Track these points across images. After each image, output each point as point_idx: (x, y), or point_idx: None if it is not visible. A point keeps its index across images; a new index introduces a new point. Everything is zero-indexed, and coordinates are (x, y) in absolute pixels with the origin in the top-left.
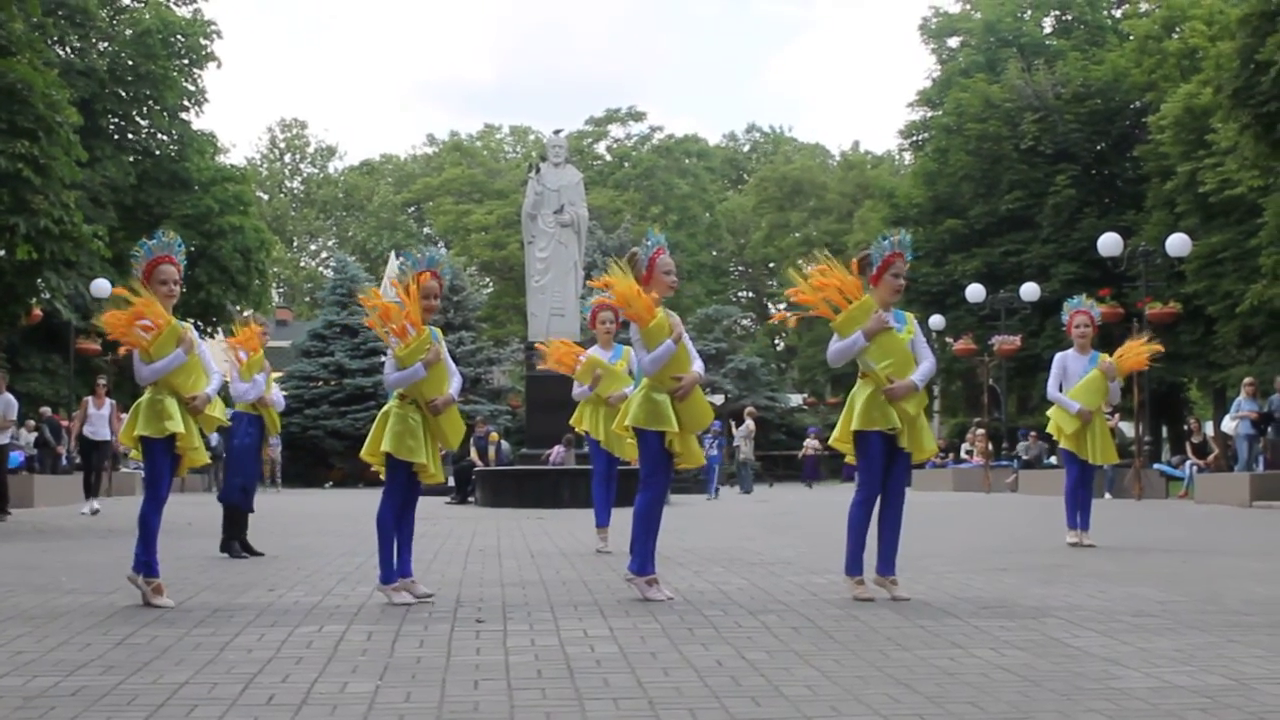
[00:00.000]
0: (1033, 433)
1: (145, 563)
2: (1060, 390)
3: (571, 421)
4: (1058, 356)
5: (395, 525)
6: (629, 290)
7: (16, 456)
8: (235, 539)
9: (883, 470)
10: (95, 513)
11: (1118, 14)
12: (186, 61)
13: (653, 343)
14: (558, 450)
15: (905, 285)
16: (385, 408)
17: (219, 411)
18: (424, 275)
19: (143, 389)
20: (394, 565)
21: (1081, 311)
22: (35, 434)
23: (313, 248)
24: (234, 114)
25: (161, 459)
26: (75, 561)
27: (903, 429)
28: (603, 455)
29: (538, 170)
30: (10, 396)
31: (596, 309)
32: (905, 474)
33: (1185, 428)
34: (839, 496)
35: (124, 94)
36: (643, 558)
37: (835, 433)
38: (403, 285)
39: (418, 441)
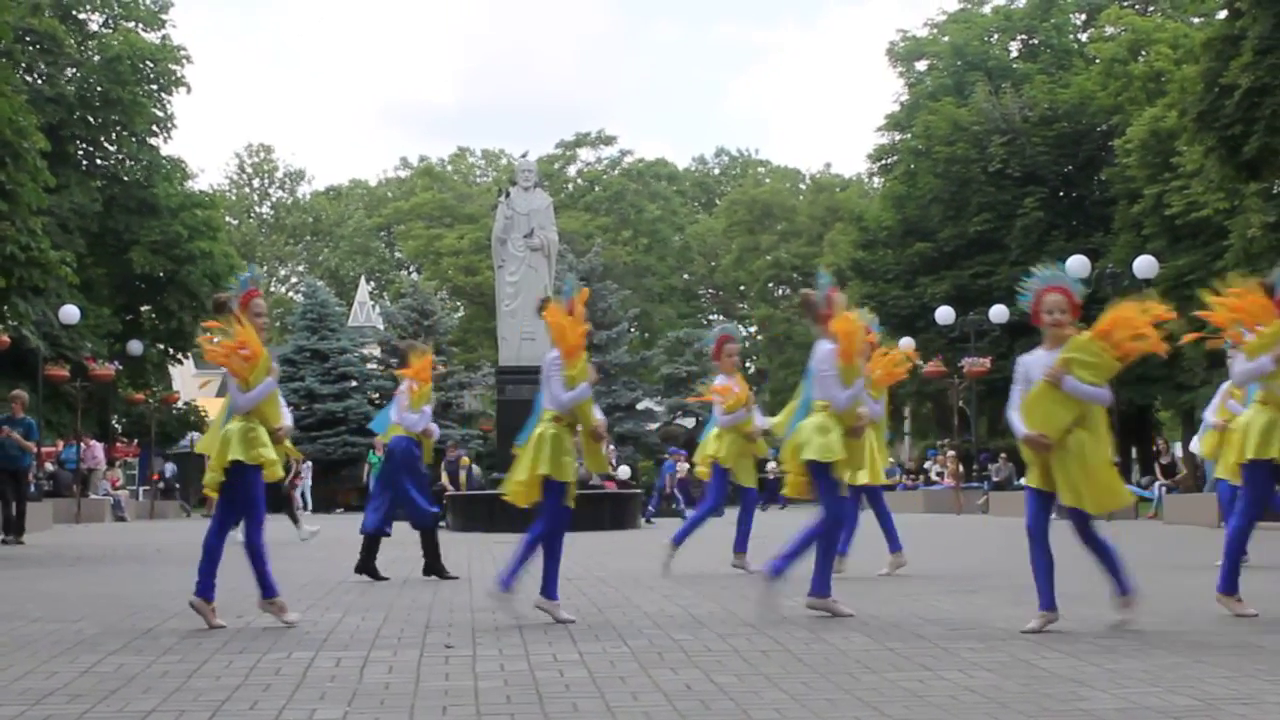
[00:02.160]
0: (1003, 454)
1: (264, 585)
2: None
3: (704, 450)
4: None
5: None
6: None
7: None
8: (372, 561)
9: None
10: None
11: (1084, 38)
12: (155, 87)
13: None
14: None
15: None
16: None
17: (290, 445)
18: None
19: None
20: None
21: (1055, 289)
22: None
23: (282, 273)
24: (201, 139)
25: (256, 483)
26: (42, 589)
27: None
28: (725, 483)
29: (507, 194)
30: (29, 419)
31: (722, 341)
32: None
33: (1154, 449)
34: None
35: (92, 120)
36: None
37: (1225, 460)
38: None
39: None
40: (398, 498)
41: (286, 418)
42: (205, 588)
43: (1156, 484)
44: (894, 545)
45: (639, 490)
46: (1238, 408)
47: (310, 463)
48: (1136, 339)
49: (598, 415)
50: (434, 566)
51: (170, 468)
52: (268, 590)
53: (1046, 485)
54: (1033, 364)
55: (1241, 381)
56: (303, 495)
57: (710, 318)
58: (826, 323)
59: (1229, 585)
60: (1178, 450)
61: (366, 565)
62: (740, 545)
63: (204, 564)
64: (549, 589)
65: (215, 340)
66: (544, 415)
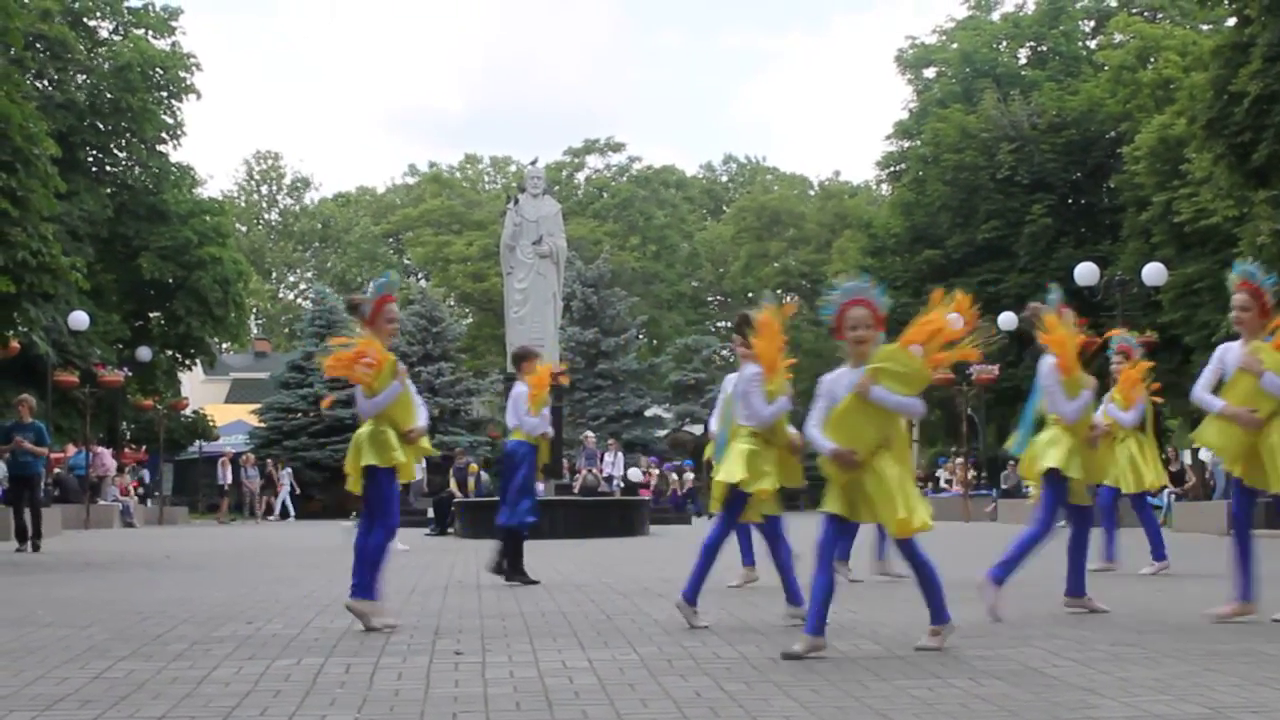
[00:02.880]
0: (1011, 461)
1: (363, 585)
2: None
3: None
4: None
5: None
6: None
7: None
8: (516, 565)
9: None
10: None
11: (1092, 45)
12: (165, 94)
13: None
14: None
15: None
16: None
17: (426, 444)
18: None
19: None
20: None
21: (857, 302)
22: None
23: (291, 279)
24: (210, 146)
25: (389, 486)
26: (51, 595)
27: None
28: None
29: (516, 201)
30: (39, 423)
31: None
32: None
33: (1163, 456)
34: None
35: (102, 127)
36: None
37: None
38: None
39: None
40: (502, 494)
41: (420, 418)
42: (363, 589)
43: (1165, 491)
44: (881, 553)
45: (647, 497)
46: None
47: (290, 469)
48: (947, 347)
49: (791, 429)
50: (515, 569)
51: (145, 474)
52: (369, 591)
53: (844, 510)
54: (835, 381)
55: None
56: (284, 503)
57: (718, 324)
58: (751, 345)
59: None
60: (1186, 458)
61: (514, 565)
62: (880, 552)
63: (357, 566)
64: (795, 596)
65: (334, 351)
66: (739, 431)
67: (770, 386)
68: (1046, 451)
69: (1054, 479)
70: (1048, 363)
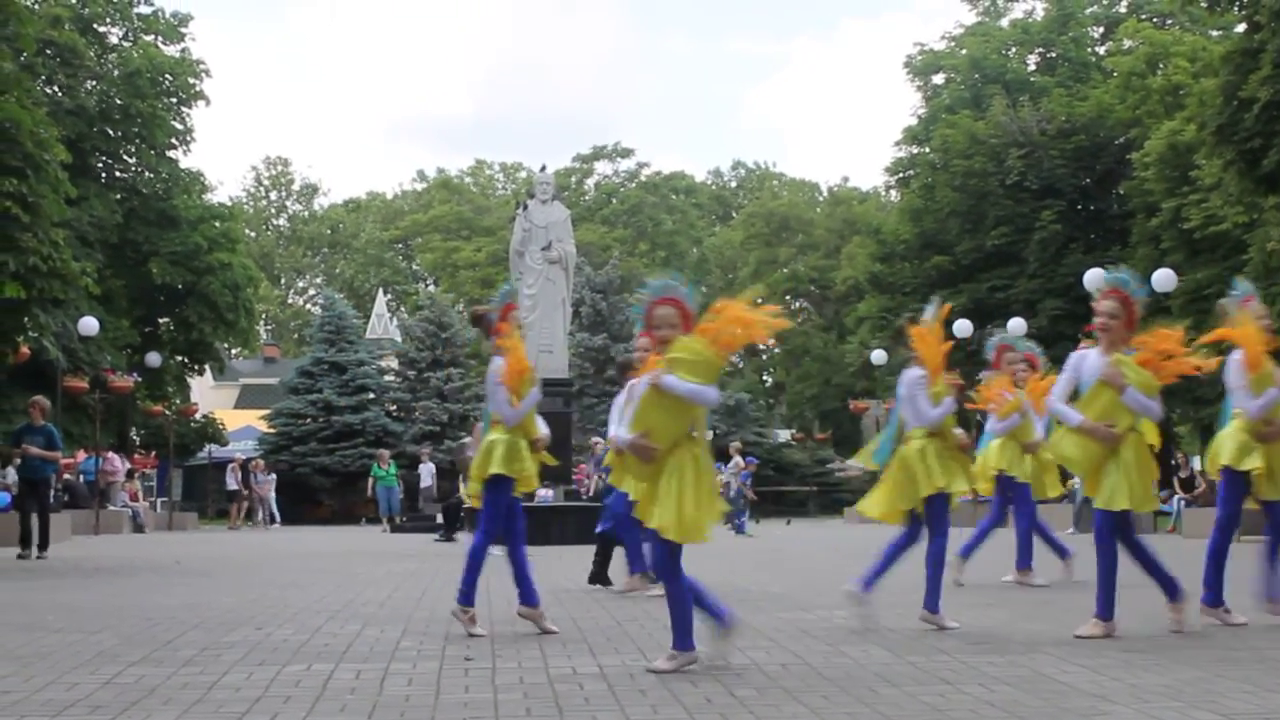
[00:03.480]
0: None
1: (466, 591)
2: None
3: (986, 462)
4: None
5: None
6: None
7: (3, 496)
8: (605, 571)
9: None
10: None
11: (1101, 50)
12: (175, 100)
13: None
14: (546, 492)
15: None
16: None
17: (547, 454)
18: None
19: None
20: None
21: (665, 301)
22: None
23: (300, 284)
24: (219, 152)
25: (507, 495)
26: (61, 600)
27: None
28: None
29: (525, 207)
30: (51, 426)
31: (1001, 349)
32: None
33: (1172, 463)
34: (826, 533)
35: (112, 133)
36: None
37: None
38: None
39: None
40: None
41: (543, 427)
42: (466, 597)
43: (1175, 498)
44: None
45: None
46: None
47: (275, 475)
48: (741, 331)
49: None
50: (599, 575)
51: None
52: (465, 598)
53: (647, 519)
54: (638, 383)
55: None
56: (269, 510)
57: None
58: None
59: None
60: (1196, 464)
61: (599, 572)
62: (1023, 561)
63: (519, 575)
64: (932, 602)
65: (504, 356)
66: (912, 433)
67: (935, 389)
68: (1225, 447)
69: (1231, 474)
70: (1235, 359)
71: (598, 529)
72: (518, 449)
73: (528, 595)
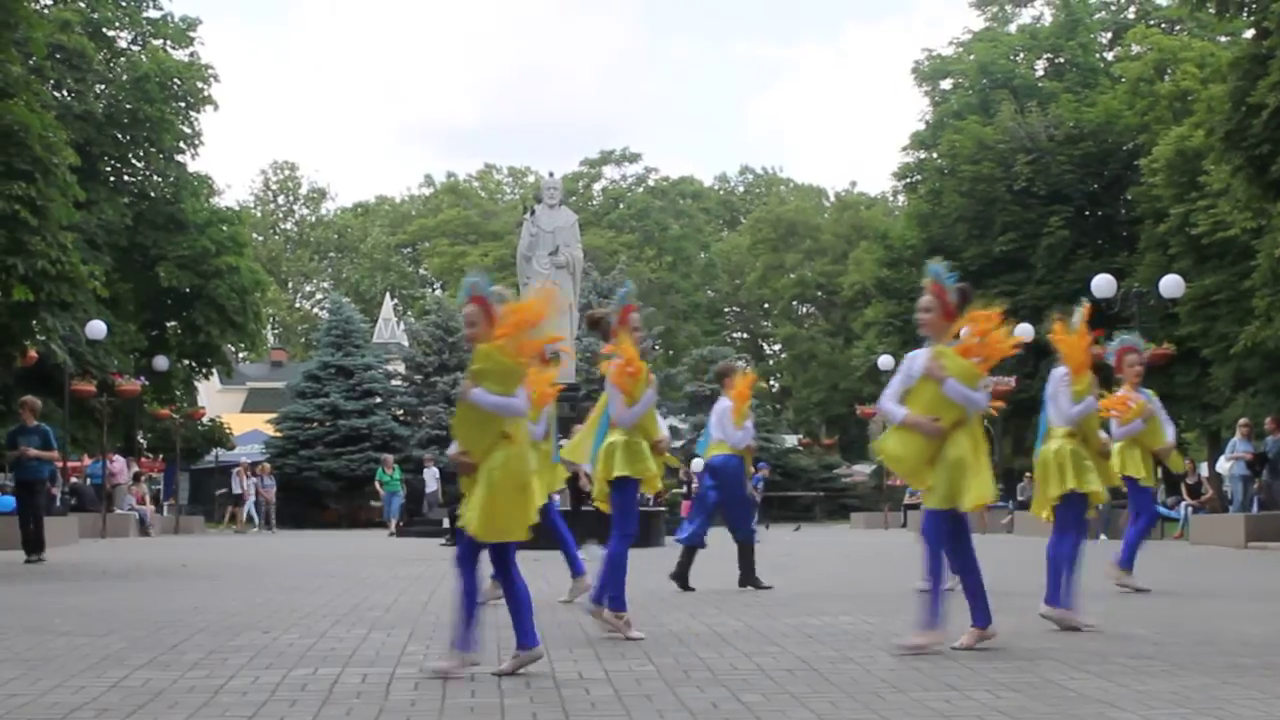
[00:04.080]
0: (1027, 474)
1: (614, 597)
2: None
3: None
4: None
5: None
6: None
7: (8, 500)
8: (753, 573)
9: None
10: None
11: (1109, 56)
12: (183, 104)
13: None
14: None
15: None
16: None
17: (670, 456)
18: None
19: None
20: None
21: (472, 300)
22: None
23: (307, 289)
24: (227, 156)
25: (634, 497)
26: (68, 604)
27: None
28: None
29: (532, 212)
30: (45, 425)
31: (1123, 352)
32: None
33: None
34: (833, 538)
35: (120, 137)
36: None
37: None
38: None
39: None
40: (724, 511)
41: (663, 428)
42: (617, 601)
43: (1183, 504)
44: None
45: (663, 508)
46: None
47: (259, 479)
48: (535, 334)
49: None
50: (749, 578)
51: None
52: (617, 603)
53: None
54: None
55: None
56: (249, 512)
57: (734, 335)
58: None
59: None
60: (1204, 470)
61: (681, 574)
62: (1125, 561)
63: (611, 577)
64: (1066, 598)
65: (614, 358)
66: (1054, 432)
67: (1077, 387)
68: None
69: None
70: (1059, 371)
71: (676, 538)
72: (639, 449)
73: (621, 600)
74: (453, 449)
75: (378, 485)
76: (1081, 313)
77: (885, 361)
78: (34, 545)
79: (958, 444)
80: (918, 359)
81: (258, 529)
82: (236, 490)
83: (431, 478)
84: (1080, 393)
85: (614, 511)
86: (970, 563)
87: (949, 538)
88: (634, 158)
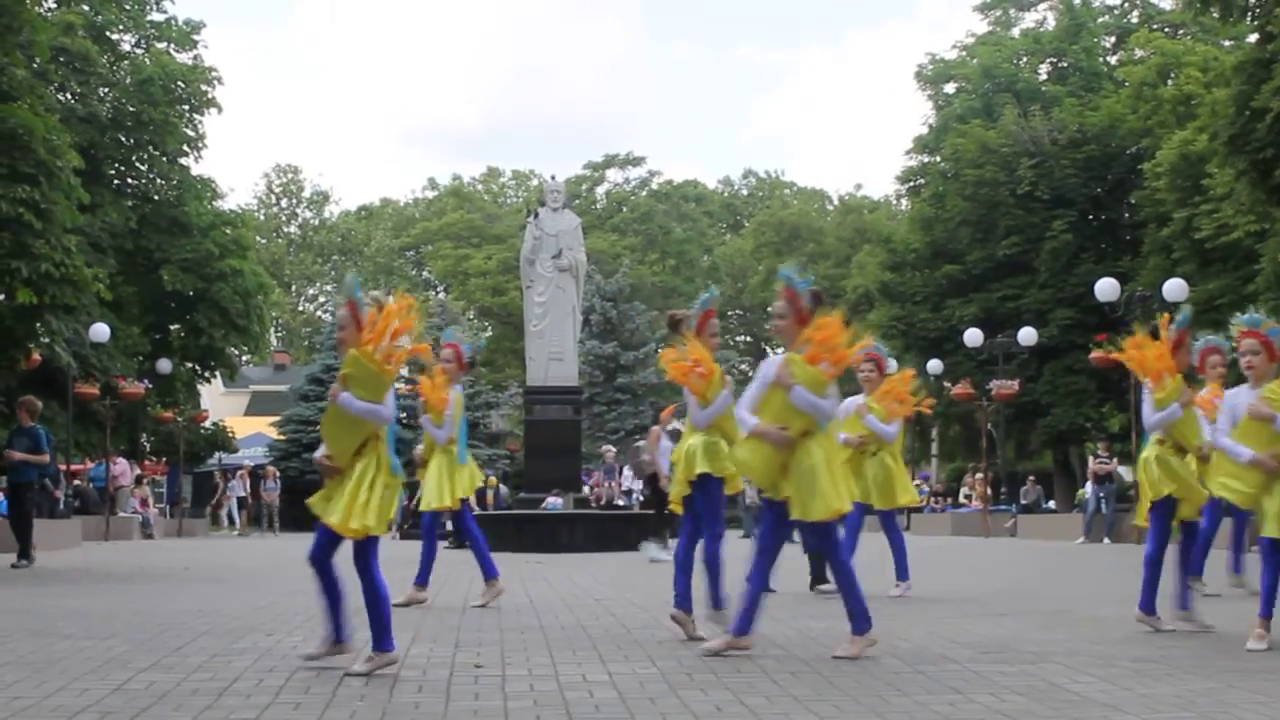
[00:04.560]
0: (1031, 477)
1: (715, 597)
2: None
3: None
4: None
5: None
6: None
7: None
8: (823, 576)
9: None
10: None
11: (1113, 60)
12: (187, 107)
13: None
14: (555, 500)
15: None
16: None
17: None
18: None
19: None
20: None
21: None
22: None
23: (310, 292)
24: (230, 159)
25: (719, 495)
26: (72, 607)
27: None
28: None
29: (536, 215)
30: (39, 428)
31: (1206, 352)
32: None
33: None
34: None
35: (124, 140)
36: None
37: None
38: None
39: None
40: None
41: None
42: (683, 600)
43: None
44: (902, 574)
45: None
46: None
47: (240, 480)
48: (394, 343)
49: (1206, 434)
50: (821, 579)
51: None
52: (717, 602)
53: (318, 511)
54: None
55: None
56: (229, 512)
57: (738, 339)
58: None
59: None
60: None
61: (819, 577)
62: (1236, 565)
63: (679, 577)
64: (1181, 600)
65: (673, 359)
66: (1151, 439)
67: (1159, 395)
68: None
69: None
70: (1146, 386)
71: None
72: (718, 448)
73: (682, 599)
74: (320, 452)
75: None
76: (1163, 320)
77: (889, 366)
78: (21, 548)
79: (808, 453)
80: (770, 366)
81: (237, 532)
82: (239, 494)
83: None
84: (1163, 400)
85: (701, 511)
86: (843, 573)
87: (818, 547)
88: (637, 161)
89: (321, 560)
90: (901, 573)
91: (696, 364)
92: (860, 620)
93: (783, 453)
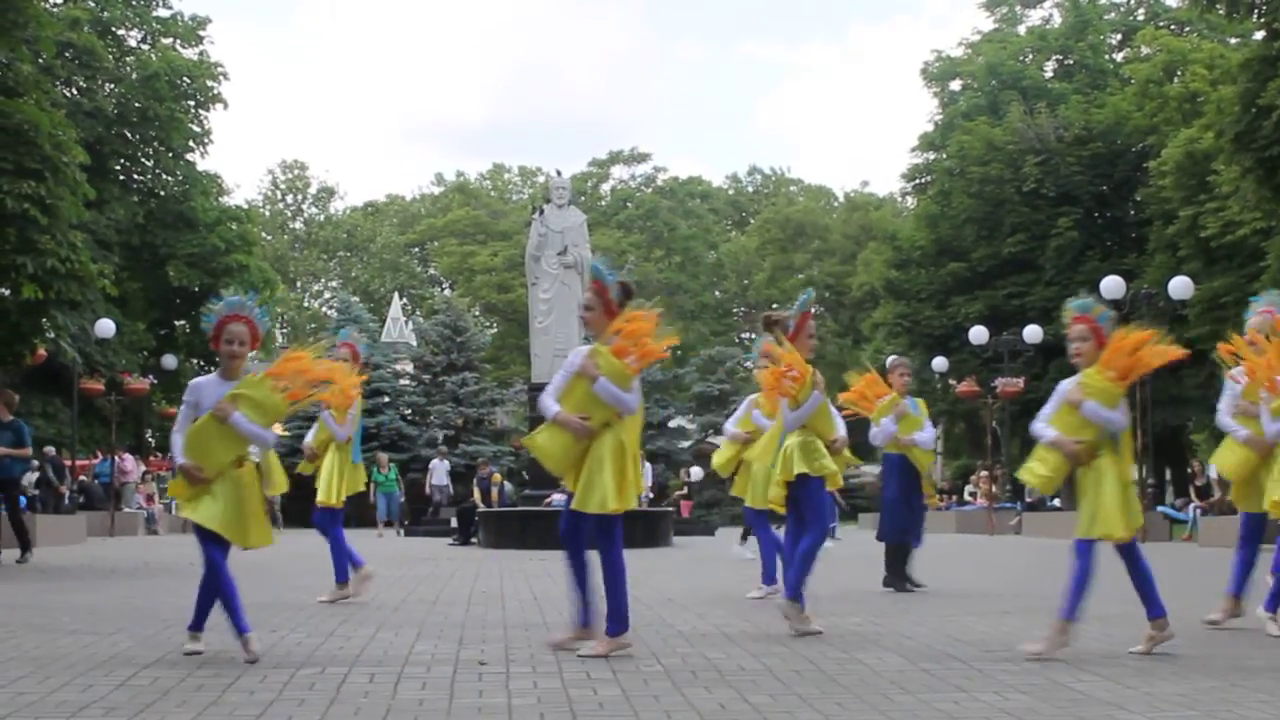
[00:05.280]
0: None
1: (796, 589)
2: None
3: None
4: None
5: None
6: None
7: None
8: (899, 575)
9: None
10: None
11: (1119, 58)
12: (192, 103)
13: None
14: (558, 497)
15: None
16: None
17: (849, 454)
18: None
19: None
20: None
21: (234, 318)
22: (38, 473)
23: (316, 288)
24: (236, 155)
25: (819, 493)
26: (76, 602)
27: None
28: None
29: (541, 212)
30: (19, 421)
31: None
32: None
33: (1188, 470)
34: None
35: (130, 135)
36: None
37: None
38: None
39: None
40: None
41: (840, 429)
42: (794, 592)
43: (1191, 506)
44: (768, 577)
45: (670, 509)
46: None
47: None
48: (302, 376)
49: None
50: (896, 578)
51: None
52: (794, 594)
53: (206, 520)
54: (201, 389)
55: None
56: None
57: (742, 336)
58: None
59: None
60: (1212, 472)
61: (898, 575)
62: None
63: (797, 569)
64: (1271, 603)
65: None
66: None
67: (1275, 405)
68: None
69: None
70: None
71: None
72: (814, 448)
73: (790, 588)
74: (186, 460)
75: (371, 485)
76: (1272, 323)
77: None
78: (21, 545)
79: (601, 445)
80: (576, 356)
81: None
82: None
83: (443, 470)
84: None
85: (804, 510)
86: (613, 569)
87: (597, 539)
88: (642, 158)
89: (219, 562)
90: (767, 576)
91: (789, 369)
92: (616, 621)
93: (580, 443)
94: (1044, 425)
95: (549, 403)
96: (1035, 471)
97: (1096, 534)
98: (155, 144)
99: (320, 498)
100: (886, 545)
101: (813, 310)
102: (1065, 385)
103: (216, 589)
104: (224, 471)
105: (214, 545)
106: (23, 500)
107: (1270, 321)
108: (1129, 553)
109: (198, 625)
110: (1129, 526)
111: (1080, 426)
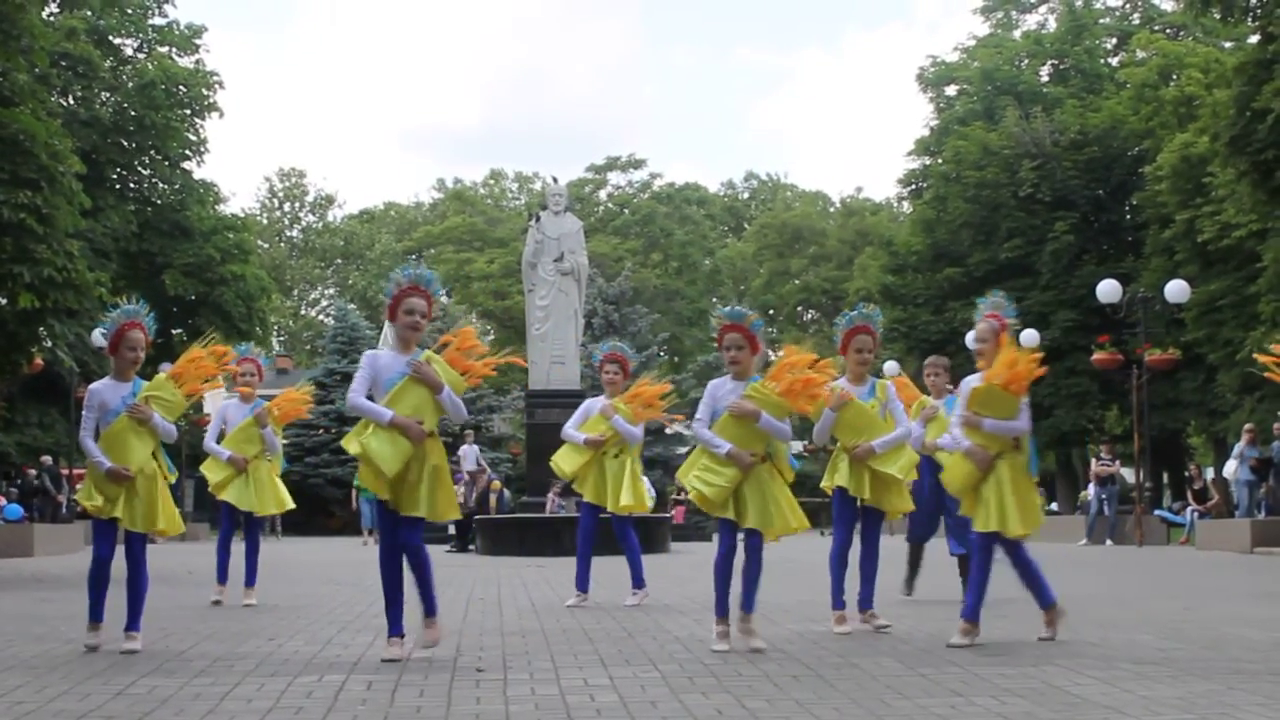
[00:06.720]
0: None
1: (866, 596)
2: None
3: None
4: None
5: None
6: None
7: (15, 509)
8: (916, 575)
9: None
10: None
11: (1114, 62)
12: (189, 112)
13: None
14: (553, 500)
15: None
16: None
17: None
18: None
19: None
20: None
21: (132, 325)
22: (37, 482)
23: (313, 296)
24: (233, 164)
25: (848, 505)
26: (75, 611)
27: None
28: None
29: (538, 218)
30: None
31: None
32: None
33: (1186, 474)
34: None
35: (126, 144)
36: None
37: None
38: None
39: None
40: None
41: (887, 434)
42: (866, 602)
43: (1189, 509)
44: (637, 581)
45: (668, 515)
46: None
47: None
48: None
49: None
50: (912, 578)
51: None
52: (841, 604)
53: (115, 512)
54: (104, 391)
55: None
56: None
57: None
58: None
59: None
60: (1209, 475)
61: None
62: None
63: (837, 577)
64: None
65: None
66: None
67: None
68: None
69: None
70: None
71: (952, 552)
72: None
73: (865, 601)
74: (108, 464)
75: (354, 492)
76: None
77: (891, 367)
78: None
79: (433, 453)
80: (394, 361)
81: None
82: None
83: (473, 457)
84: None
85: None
86: (420, 569)
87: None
88: (639, 164)
89: (106, 560)
90: (636, 580)
91: (807, 383)
92: (394, 625)
93: (410, 447)
94: (711, 435)
95: (368, 405)
96: (709, 481)
97: (995, 528)
98: (151, 152)
99: (263, 508)
100: (911, 546)
101: (870, 325)
102: (720, 389)
103: (135, 585)
104: (142, 468)
105: (137, 540)
106: (16, 511)
107: (995, 327)
108: (1014, 549)
109: (132, 627)
110: (1029, 524)
111: (754, 437)
